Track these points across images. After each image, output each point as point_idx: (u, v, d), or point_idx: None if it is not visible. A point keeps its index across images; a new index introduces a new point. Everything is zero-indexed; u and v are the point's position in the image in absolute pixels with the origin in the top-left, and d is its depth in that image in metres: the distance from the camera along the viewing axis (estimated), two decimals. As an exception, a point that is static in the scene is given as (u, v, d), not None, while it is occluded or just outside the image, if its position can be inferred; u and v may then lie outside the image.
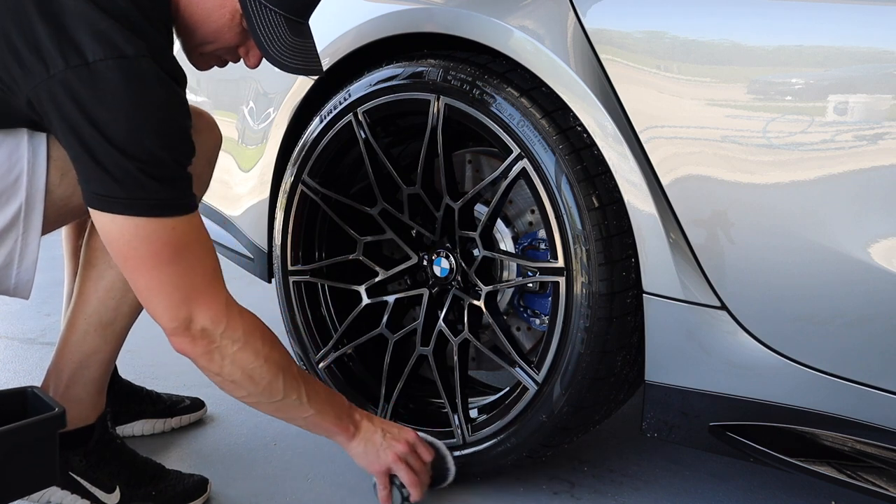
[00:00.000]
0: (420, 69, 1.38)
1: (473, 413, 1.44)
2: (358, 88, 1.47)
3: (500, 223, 1.48)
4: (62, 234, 1.57)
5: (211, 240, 1.15)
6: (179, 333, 1.11)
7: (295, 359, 1.65)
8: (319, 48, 1.54)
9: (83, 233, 1.37)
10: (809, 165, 1.02)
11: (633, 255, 1.21)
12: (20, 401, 1.12)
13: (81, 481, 1.32)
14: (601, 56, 1.17)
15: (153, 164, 1.05)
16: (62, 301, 1.64)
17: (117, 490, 1.34)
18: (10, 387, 1.19)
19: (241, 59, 1.26)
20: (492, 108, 1.29)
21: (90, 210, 1.08)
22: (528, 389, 1.33)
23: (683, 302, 1.15)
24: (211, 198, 1.94)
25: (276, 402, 1.20)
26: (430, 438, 1.38)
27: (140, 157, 1.04)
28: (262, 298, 2.63)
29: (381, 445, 1.29)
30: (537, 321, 1.47)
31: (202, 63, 1.26)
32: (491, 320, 1.41)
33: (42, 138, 1.15)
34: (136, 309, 1.34)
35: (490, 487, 1.47)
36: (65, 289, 1.62)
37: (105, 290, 1.31)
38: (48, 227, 1.23)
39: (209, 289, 1.12)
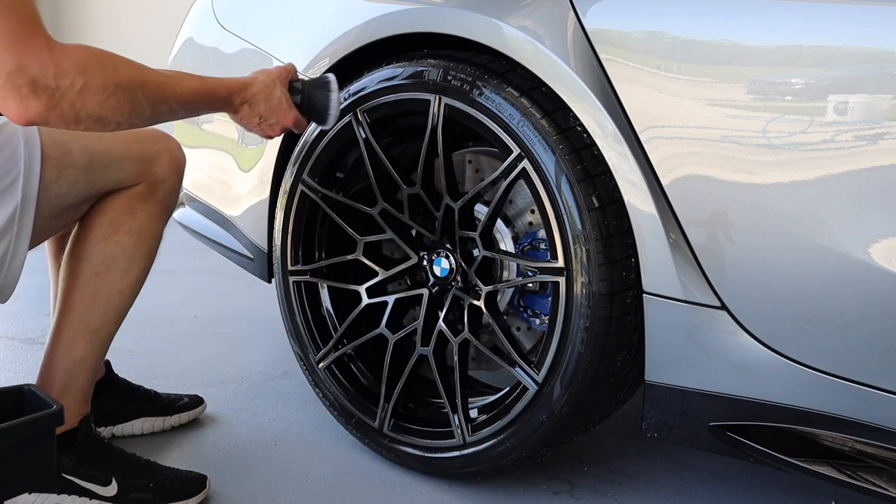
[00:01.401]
0: (420, 69, 1.38)
1: (473, 413, 1.44)
2: (358, 88, 1.47)
3: (500, 223, 1.48)
4: (46, 252, 1.57)
5: None
6: (13, 95, 1.00)
7: (295, 359, 1.67)
8: (319, 48, 1.55)
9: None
10: (809, 165, 1.02)
11: (633, 255, 1.21)
12: (17, 398, 1.12)
13: (75, 480, 1.32)
14: (601, 56, 1.17)
15: None
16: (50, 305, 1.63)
17: (113, 482, 1.34)
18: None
19: None
20: (492, 108, 1.29)
21: None
22: (528, 389, 1.33)
23: (683, 302, 1.15)
24: (211, 198, 1.94)
25: (148, 117, 1.15)
26: (328, 79, 1.39)
27: None
28: (262, 298, 2.63)
29: (257, 128, 1.34)
30: (537, 321, 1.48)
31: None
32: (491, 320, 1.41)
33: (37, 141, 1.17)
34: (121, 315, 1.37)
35: (490, 487, 1.47)
36: (51, 302, 1.61)
37: (91, 297, 1.33)
38: (40, 231, 1.25)
39: (27, 32, 1.00)
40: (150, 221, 1.37)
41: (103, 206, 1.33)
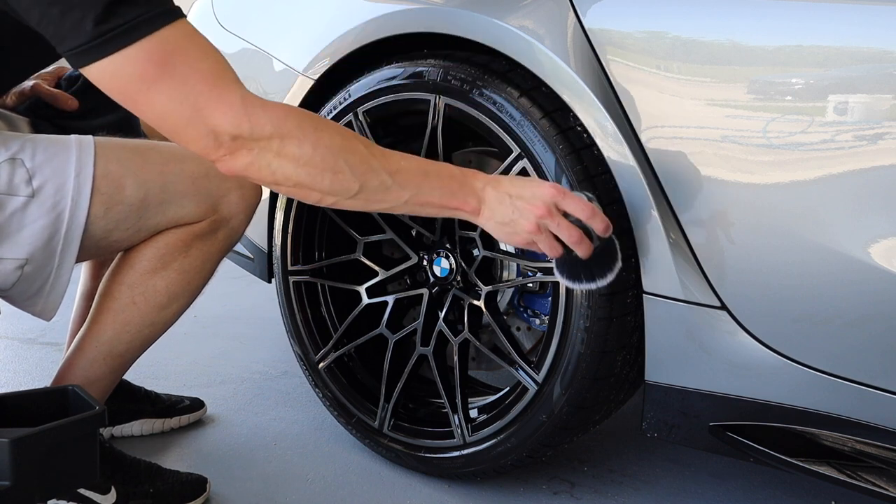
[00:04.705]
0: (420, 69, 1.38)
1: (473, 413, 1.44)
2: (358, 88, 1.47)
3: (500, 223, 1.48)
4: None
5: (206, 40, 1.02)
6: (215, 152, 1.00)
7: (295, 359, 1.66)
8: (320, 48, 1.55)
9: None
10: (809, 165, 1.02)
11: (632, 255, 1.21)
12: (62, 398, 1.13)
13: None
14: (601, 56, 1.17)
15: None
16: (72, 301, 1.63)
17: (112, 490, 1.33)
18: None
19: None
20: (492, 108, 1.29)
21: (84, 71, 0.99)
22: (528, 389, 1.32)
23: (683, 302, 1.15)
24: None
25: (357, 194, 1.05)
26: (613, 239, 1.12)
27: None
28: (262, 298, 2.63)
29: (512, 217, 1.09)
30: (537, 321, 1.47)
31: None
32: (491, 320, 1.41)
33: (89, 173, 1.17)
34: (149, 344, 1.35)
35: (490, 487, 1.47)
36: (76, 302, 1.61)
37: (122, 323, 1.30)
38: (84, 258, 1.24)
39: (215, 90, 0.99)
40: (203, 261, 1.30)
41: (157, 237, 1.27)
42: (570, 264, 1.12)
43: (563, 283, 1.15)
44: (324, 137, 1.03)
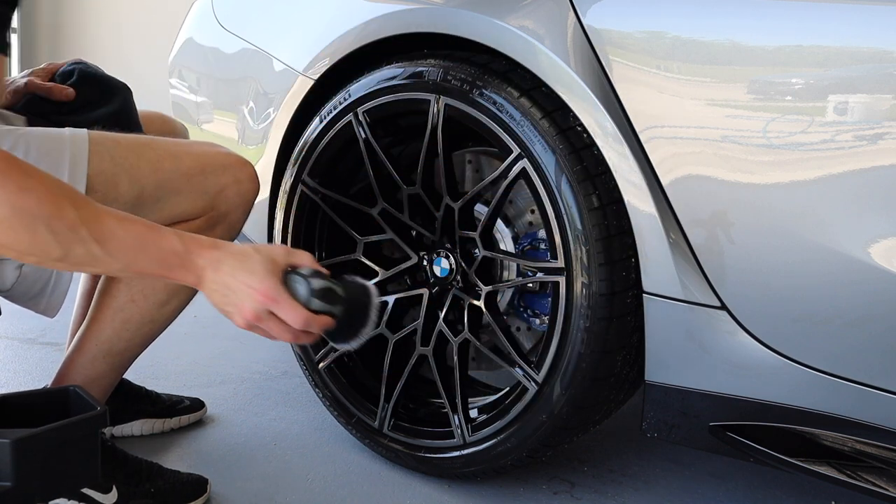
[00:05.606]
0: (420, 69, 1.38)
1: (473, 413, 1.44)
2: (358, 88, 1.47)
3: (500, 223, 1.48)
4: None
5: None
6: None
7: (295, 359, 1.66)
8: (320, 48, 1.55)
9: None
10: (809, 165, 1.02)
11: (633, 255, 1.21)
12: (63, 399, 1.13)
13: None
14: (601, 56, 1.17)
15: None
16: (73, 300, 1.63)
17: (114, 490, 1.33)
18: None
19: None
20: (492, 108, 1.29)
21: None
22: (528, 389, 1.33)
23: (683, 302, 1.15)
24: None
25: (62, 259, 0.94)
26: (355, 283, 1.06)
27: None
28: (262, 298, 2.63)
29: (226, 309, 1.02)
30: (537, 321, 1.47)
31: None
32: (491, 320, 1.41)
33: (83, 171, 1.16)
34: (149, 341, 1.35)
35: (490, 487, 1.47)
36: (77, 300, 1.61)
37: (122, 321, 1.30)
38: None
39: None
40: None
41: None
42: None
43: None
44: (28, 199, 0.91)
